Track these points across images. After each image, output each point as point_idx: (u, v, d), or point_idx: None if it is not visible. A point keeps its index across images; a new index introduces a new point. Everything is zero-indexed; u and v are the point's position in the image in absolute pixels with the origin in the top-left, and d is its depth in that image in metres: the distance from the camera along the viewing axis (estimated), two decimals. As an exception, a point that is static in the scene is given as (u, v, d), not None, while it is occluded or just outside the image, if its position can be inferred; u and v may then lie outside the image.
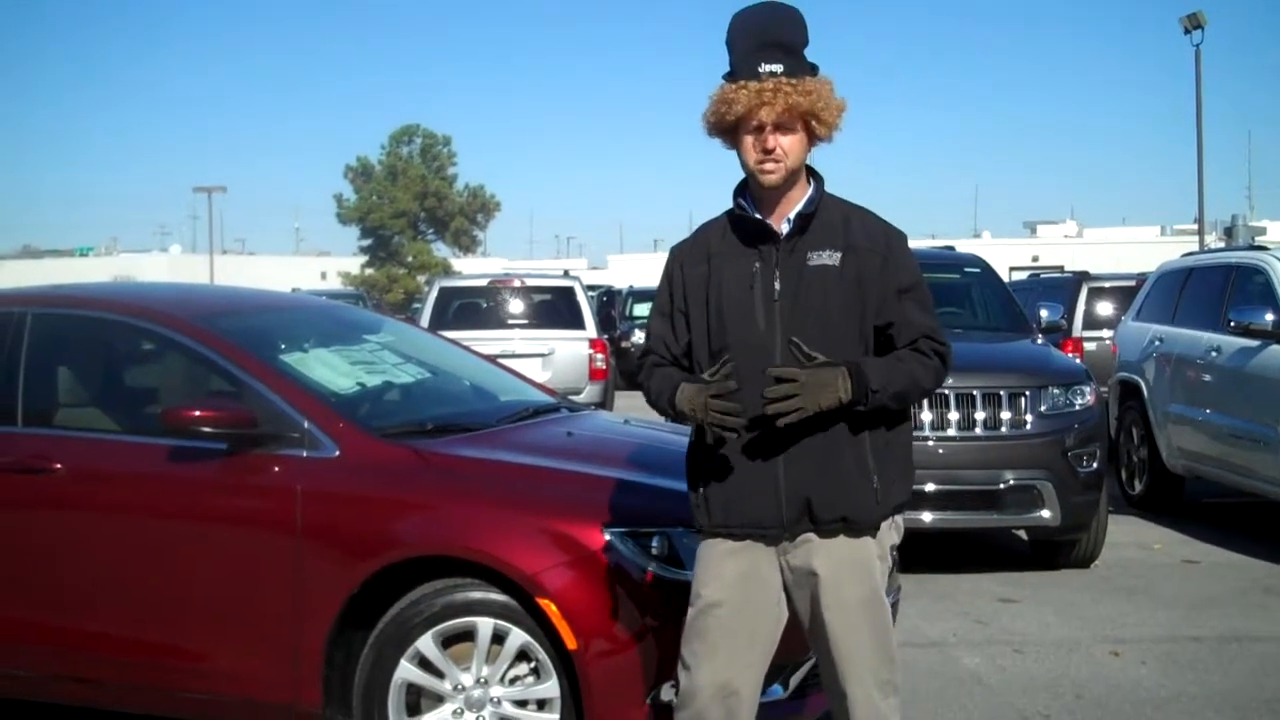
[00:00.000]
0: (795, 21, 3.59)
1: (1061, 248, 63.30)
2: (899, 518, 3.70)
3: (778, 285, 3.54)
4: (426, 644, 4.44)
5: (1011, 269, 38.15)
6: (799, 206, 3.58)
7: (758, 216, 3.59)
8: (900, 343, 3.56)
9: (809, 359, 3.40)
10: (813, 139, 3.56)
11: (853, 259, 3.54)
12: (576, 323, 14.45)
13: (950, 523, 8.03)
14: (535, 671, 4.43)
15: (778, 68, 3.48)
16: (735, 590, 3.56)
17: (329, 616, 4.51)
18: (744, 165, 3.57)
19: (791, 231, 3.57)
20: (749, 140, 3.52)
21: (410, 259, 67.34)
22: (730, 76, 3.55)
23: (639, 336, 25.56)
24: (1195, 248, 22.81)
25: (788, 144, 3.50)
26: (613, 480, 4.63)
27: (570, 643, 4.27)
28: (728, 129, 3.56)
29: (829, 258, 3.54)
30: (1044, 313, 10.56)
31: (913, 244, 3.79)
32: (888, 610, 3.62)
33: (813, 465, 3.50)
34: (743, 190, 3.65)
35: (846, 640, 3.53)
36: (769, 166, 3.51)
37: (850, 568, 3.54)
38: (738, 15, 3.61)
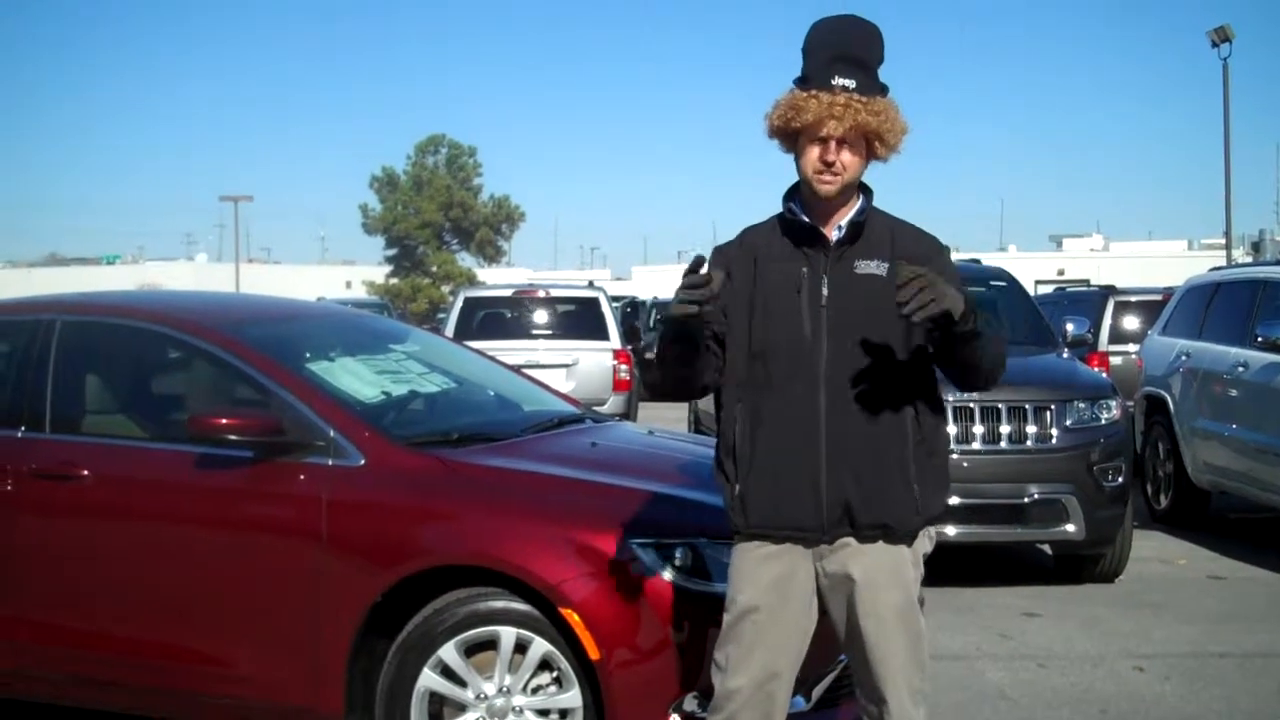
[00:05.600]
0: (874, 39, 3.61)
1: (1087, 261, 63.10)
2: (933, 528, 3.71)
3: (825, 291, 3.55)
4: (449, 653, 4.45)
5: (1037, 282, 38.06)
6: (850, 215, 3.60)
7: (809, 221, 3.61)
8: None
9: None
10: (872, 157, 3.58)
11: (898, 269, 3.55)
12: (601, 333, 14.46)
13: (974, 536, 8.00)
14: (558, 681, 4.43)
15: (851, 83, 3.48)
16: (771, 595, 3.57)
17: (353, 624, 4.53)
18: (801, 172, 3.58)
19: (842, 239, 3.59)
20: (813, 150, 3.52)
21: (435, 269, 67.39)
22: (802, 83, 3.55)
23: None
24: (1222, 262, 22.75)
25: (849, 160, 3.51)
26: (636, 491, 4.64)
27: (593, 653, 4.27)
28: (790, 134, 3.57)
29: (876, 267, 3.56)
30: (1070, 326, 10.53)
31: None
32: (921, 618, 3.63)
33: (855, 470, 3.51)
34: (793, 195, 3.67)
35: (882, 647, 3.54)
36: (827, 178, 3.52)
37: (887, 574, 3.55)
38: (818, 24, 3.61)
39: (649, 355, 24.68)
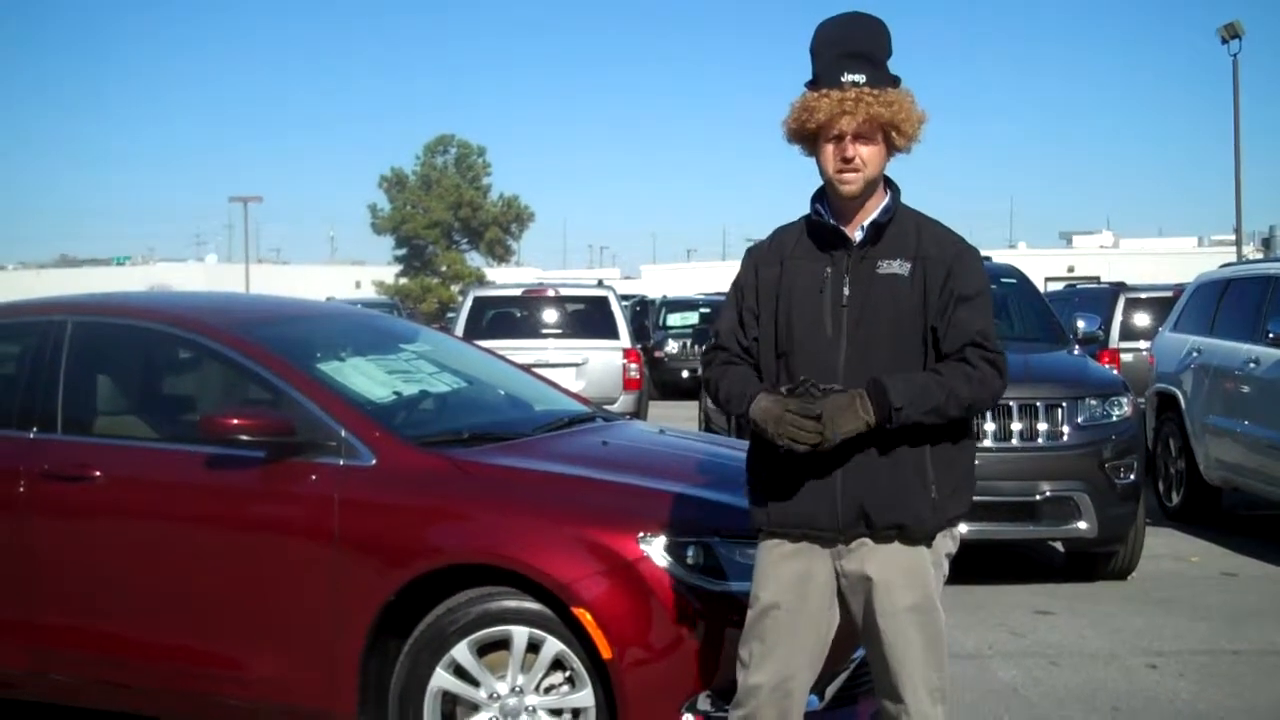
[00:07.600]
0: (880, 33, 3.63)
1: (1098, 258, 63.02)
2: (955, 529, 3.70)
3: (846, 291, 3.57)
4: (462, 652, 4.45)
5: (1047, 279, 38.06)
6: (874, 215, 3.61)
7: (832, 223, 3.62)
8: (946, 347, 3.54)
9: (821, 390, 3.43)
10: (891, 150, 3.59)
11: (921, 269, 3.57)
12: (610, 332, 14.46)
13: (987, 534, 7.97)
14: (570, 680, 4.43)
15: (860, 78, 3.51)
16: (792, 592, 3.60)
17: (365, 624, 4.53)
18: (823, 173, 3.60)
19: (864, 240, 3.60)
20: (829, 149, 3.54)
21: (444, 269, 67.50)
22: (812, 85, 3.58)
23: (672, 346, 25.54)
24: (1233, 258, 22.71)
25: (867, 154, 3.53)
26: (648, 490, 4.64)
27: (605, 652, 4.27)
28: (807, 136, 3.59)
29: (899, 267, 3.57)
30: (1081, 323, 10.52)
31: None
32: (940, 618, 3.63)
33: (872, 473, 3.52)
34: (821, 196, 3.68)
35: (898, 646, 3.55)
36: (848, 176, 3.54)
37: (904, 574, 3.56)
38: (823, 24, 3.63)
39: (664, 359, 24.69)
